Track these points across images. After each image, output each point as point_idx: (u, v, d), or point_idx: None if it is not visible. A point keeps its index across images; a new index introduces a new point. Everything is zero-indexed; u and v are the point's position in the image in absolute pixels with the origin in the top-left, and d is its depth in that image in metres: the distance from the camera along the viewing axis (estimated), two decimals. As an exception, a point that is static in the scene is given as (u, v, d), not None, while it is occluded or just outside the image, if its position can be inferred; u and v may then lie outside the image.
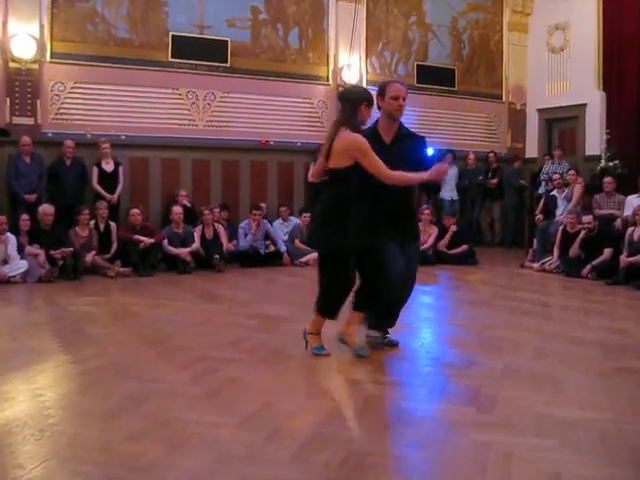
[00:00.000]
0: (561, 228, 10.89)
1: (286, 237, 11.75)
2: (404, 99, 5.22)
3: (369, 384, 4.58)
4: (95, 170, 10.90)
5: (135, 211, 10.46)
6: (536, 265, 10.94)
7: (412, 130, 5.52)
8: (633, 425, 3.82)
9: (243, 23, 12.66)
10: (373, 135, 5.19)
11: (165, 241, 10.47)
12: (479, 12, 15.36)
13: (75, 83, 11.30)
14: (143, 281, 9.56)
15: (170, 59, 11.99)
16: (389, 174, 4.89)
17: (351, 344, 5.24)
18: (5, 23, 10.71)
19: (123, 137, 11.59)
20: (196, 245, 10.62)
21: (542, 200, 12.51)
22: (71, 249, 9.61)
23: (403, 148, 5.22)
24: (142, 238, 10.20)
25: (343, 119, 5.10)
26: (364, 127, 5.17)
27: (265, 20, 12.90)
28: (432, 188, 5.65)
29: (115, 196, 10.98)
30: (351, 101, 5.11)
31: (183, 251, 10.45)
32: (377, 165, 4.88)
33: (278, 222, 12.04)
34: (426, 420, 3.91)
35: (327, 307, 5.24)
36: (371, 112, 5.14)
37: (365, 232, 5.03)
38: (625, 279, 9.37)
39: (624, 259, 9.56)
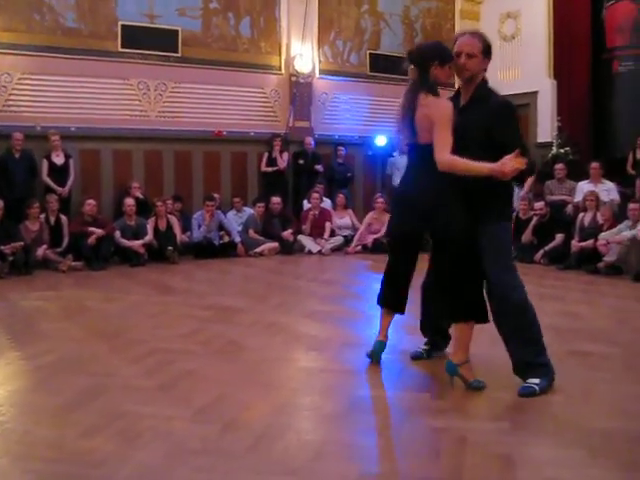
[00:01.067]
0: (514, 215, 11.01)
1: (240, 228, 11.71)
2: (469, 55, 4.22)
3: (324, 373, 4.59)
4: (45, 163, 10.71)
5: (91, 202, 10.30)
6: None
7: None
8: (584, 406, 3.89)
9: (194, 12, 12.52)
10: (454, 99, 4.40)
11: (118, 233, 10.35)
12: (431, 1, 15.38)
13: (23, 74, 11.07)
14: (96, 275, 9.44)
15: (120, 49, 11.80)
16: (443, 158, 4.05)
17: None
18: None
19: (73, 129, 11.39)
20: (149, 237, 10.51)
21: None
22: (21, 243, 9.43)
23: (472, 114, 4.19)
24: (94, 229, 10.07)
25: (419, 84, 4.29)
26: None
27: (216, 9, 12.77)
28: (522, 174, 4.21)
29: (66, 189, 10.81)
30: (420, 62, 4.32)
31: (136, 243, 10.35)
32: (442, 144, 4.06)
33: (232, 213, 12.00)
34: (381, 407, 3.94)
35: (477, 307, 4.33)
36: (448, 72, 4.32)
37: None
38: (577, 264, 9.54)
39: (575, 244, 9.72)
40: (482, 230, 4.20)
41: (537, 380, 4.13)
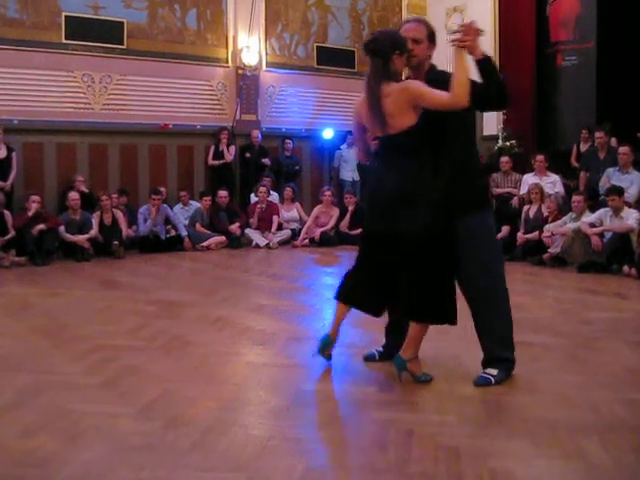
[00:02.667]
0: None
1: (187, 221, 11.61)
2: (415, 40, 4.14)
3: (270, 367, 4.57)
4: (-14, 156, 10.48)
5: (36, 198, 10.08)
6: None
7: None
8: (528, 397, 3.93)
9: (139, 4, 12.34)
10: None
11: (62, 228, 10.16)
12: (378, -6, 15.46)
13: (-38, 65, 10.83)
14: (39, 270, 9.26)
15: (64, 41, 11.58)
16: (453, 95, 3.84)
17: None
18: None
19: (15, 122, 11.16)
20: (94, 231, 10.35)
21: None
22: (-38, 239, 9.24)
23: None
24: (31, 212, 9.90)
25: (380, 75, 4.11)
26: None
27: (162, 1, 12.60)
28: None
29: (8, 183, 10.57)
30: (382, 52, 4.12)
31: (80, 238, 10.17)
32: (438, 96, 3.90)
33: (178, 207, 11.88)
34: (327, 401, 3.93)
35: (438, 309, 4.22)
36: (404, 62, 4.19)
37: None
38: (522, 255, 9.66)
39: (521, 236, 9.85)
40: (461, 224, 4.10)
41: (495, 371, 4.16)
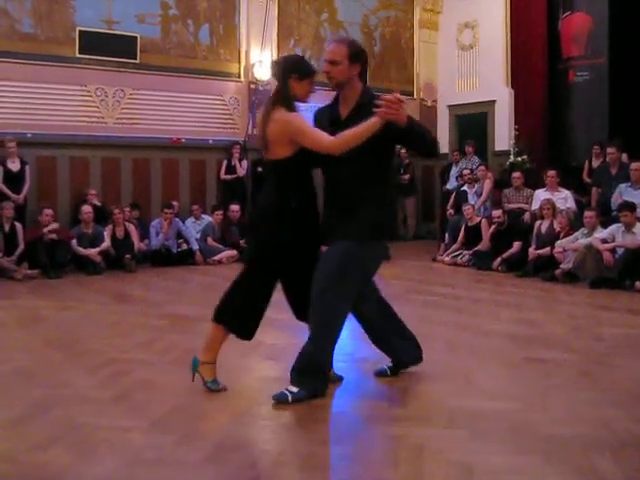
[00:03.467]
0: (463, 223, 11.20)
1: (198, 235, 11.63)
2: (331, 62, 4.11)
3: (281, 382, 4.54)
4: (0, 169, 10.54)
5: (49, 211, 10.17)
6: (447, 259, 11.13)
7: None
8: (541, 414, 3.91)
9: (153, 19, 12.46)
10: (330, 111, 4.31)
11: (74, 241, 10.22)
12: (390, 10, 15.52)
13: (-23, 79, 10.93)
14: (52, 283, 9.31)
15: (78, 55, 11.70)
16: (332, 142, 3.95)
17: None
18: None
19: (29, 135, 11.25)
20: (106, 245, 10.40)
21: (453, 195, 12.73)
22: (-25, 251, 9.30)
23: (359, 122, 3.95)
24: (50, 229, 10.01)
25: (275, 98, 4.17)
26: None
27: (175, 16, 12.73)
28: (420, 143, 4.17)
29: (21, 196, 10.64)
30: (278, 76, 4.20)
31: (92, 251, 10.22)
32: (318, 139, 3.99)
33: (190, 220, 11.91)
34: (339, 416, 3.93)
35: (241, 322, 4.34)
36: (308, 87, 4.18)
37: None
38: (534, 271, 9.63)
39: (532, 252, 9.83)
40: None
41: (295, 389, 4.07)
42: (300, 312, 4.39)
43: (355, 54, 4.13)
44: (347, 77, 4.12)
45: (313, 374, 4.13)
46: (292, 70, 4.14)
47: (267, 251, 4.21)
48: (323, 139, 3.98)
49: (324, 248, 4.25)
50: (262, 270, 4.24)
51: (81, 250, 10.21)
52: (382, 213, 4.20)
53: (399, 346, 4.62)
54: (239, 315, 4.27)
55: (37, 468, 3.18)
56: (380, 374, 4.67)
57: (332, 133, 4.00)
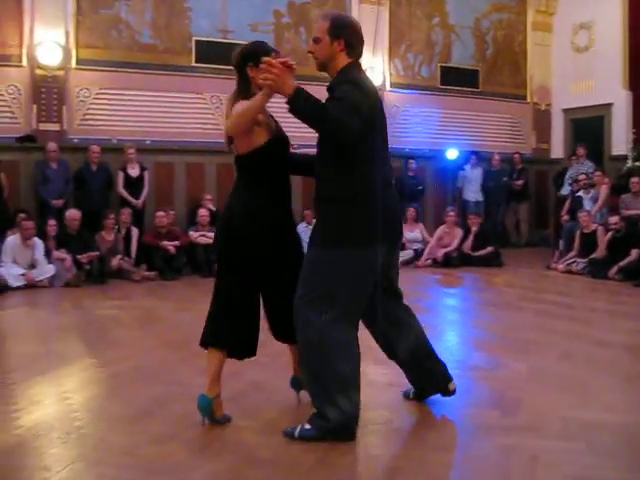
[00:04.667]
0: (578, 230, 10.87)
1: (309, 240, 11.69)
2: (314, 40, 3.72)
3: (392, 387, 4.56)
4: (121, 175, 10.98)
5: (160, 213, 10.54)
6: (561, 266, 10.85)
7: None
8: (661, 428, 3.78)
9: (266, 27, 12.69)
10: None
11: (191, 234, 10.64)
12: (502, 12, 15.27)
13: (100, 89, 11.39)
14: (168, 285, 9.61)
15: (194, 64, 12.06)
16: (227, 124, 3.74)
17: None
18: (32, 30, 10.82)
19: (148, 142, 11.66)
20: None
21: (568, 201, 12.42)
22: (97, 253, 9.71)
23: None
24: (167, 244, 10.27)
25: (236, 90, 3.88)
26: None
27: (288, 24, 12.92)
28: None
29: (140, 201, 11.05)
30: (236, 64, 3.91)
31: (205, 238, 10.46)
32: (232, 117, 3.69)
33: (302, 225, 11.98)
34: (450, 424, 3.90)
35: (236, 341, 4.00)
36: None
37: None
38: (654, 280, 9.29)
39: (651, 260, 9.49)
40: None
41: (308, 426, 3.58)
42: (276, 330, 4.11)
43: (336, 27, 3.62)
44: (328, 54, 3.65)
45: (326, 410, 3.57)
46: (247, 58, 3.81)
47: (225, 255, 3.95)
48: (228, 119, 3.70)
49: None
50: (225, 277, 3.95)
51: (197, 236, 10.60)
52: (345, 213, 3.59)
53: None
54: (232, 334, 3.95)
55: (155, 461, 3.32)
56: (405, 396, 4.31)
57: None
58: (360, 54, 3.70)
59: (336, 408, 3.50)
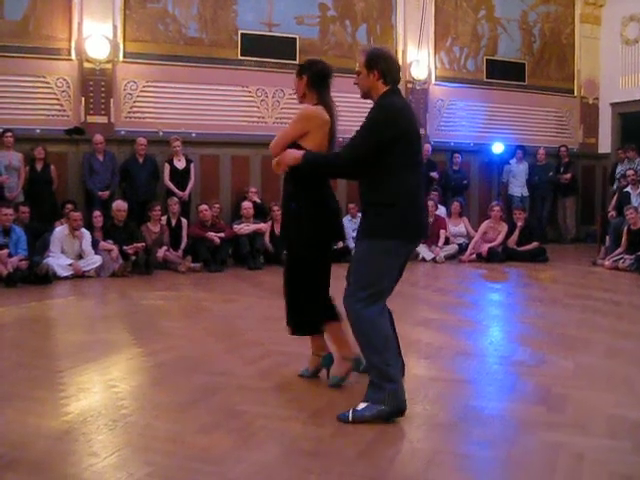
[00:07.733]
0: (626, 226, 10.69)
1: (354, 233, 11.67)
2: (357, 73, 4.14)
3: (436, 381, 4.56)
4: (167, 167, 11.08)
5: (203, 207, 10.61)
6: (608, 263, 10.69)
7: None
8: None
9: (311, 20, 12.70)
10: None
11: (235, 226, 10.71)
12: (550, 5, 15.06)
13: (147, 82, 11.52)
14: (213, 276, 9.69)
15: (239, 57, 12.11)
16: (274, 144, 4.48)
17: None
18: (80, 24, 10.97)
19: (194, 135, 11.76)
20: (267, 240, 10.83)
21: (615, 197, 12.24)
22: (143, 244, 9.82)
23: None
24: (212, 235, 10.34)
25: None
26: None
27: (333, 17, 12.91)
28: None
29: (186, 193, 11.15)
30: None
31: (250, 229, 10.64)
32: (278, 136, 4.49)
33: (347, 219, 11.98)
34: (494, 419, 3.87)
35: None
36: (299, 85, 4.72)
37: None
38: None
39: None
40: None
41: (363, 405, 3.77)
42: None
43: (371, 60, 4.04)
44: (368, 84, 4.07)
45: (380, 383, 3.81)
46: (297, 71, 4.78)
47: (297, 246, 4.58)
48: (277, 139, 4.49)
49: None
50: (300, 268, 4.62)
51: (242, 226, 10.70)
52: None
53: None
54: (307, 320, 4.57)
55: (200, 450, 3.35)
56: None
57: None
58: (396, 80, 4.11)
59: (385, 380, 3.77)
